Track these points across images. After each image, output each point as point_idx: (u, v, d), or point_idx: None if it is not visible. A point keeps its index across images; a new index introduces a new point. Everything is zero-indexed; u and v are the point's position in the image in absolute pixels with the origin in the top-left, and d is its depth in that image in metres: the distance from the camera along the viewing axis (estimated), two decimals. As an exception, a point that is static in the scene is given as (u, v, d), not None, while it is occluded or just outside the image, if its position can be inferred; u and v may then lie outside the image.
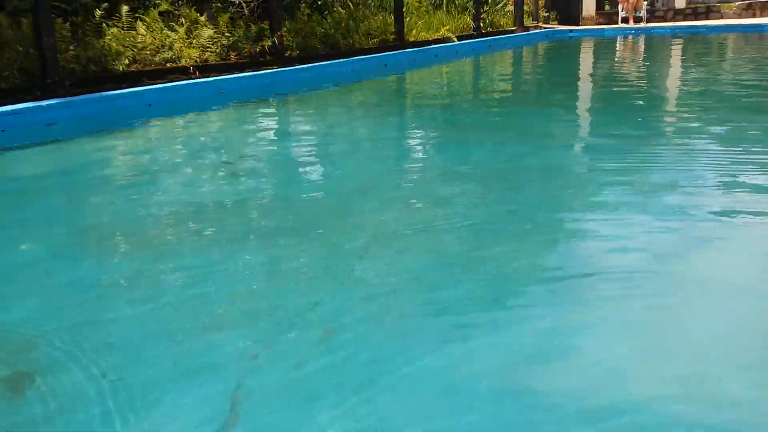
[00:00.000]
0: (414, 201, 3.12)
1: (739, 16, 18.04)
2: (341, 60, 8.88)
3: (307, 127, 5.54)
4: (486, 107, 6.49)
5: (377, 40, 11.11)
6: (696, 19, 17.76)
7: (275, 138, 5.10)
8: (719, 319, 1.89)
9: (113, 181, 3.78)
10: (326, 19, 11.29)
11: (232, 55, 8.27)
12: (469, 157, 4.17)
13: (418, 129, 5.46)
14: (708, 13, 18.13)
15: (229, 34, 8.46)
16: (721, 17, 17.99)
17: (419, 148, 4.62)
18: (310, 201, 3.20)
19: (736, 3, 19.25)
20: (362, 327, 1.85)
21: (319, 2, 13.44)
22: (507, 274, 2.24)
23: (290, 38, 9.54)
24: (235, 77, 7.06)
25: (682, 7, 18.13)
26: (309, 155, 4.41)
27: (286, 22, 10.56)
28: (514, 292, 2.12)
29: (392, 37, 11.35)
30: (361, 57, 9.25)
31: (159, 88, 6.15)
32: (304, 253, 2.45)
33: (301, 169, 3.98)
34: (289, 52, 9.15)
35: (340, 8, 12.34)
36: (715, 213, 2.78)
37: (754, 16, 18.13)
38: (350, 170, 3.89)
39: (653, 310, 1.93)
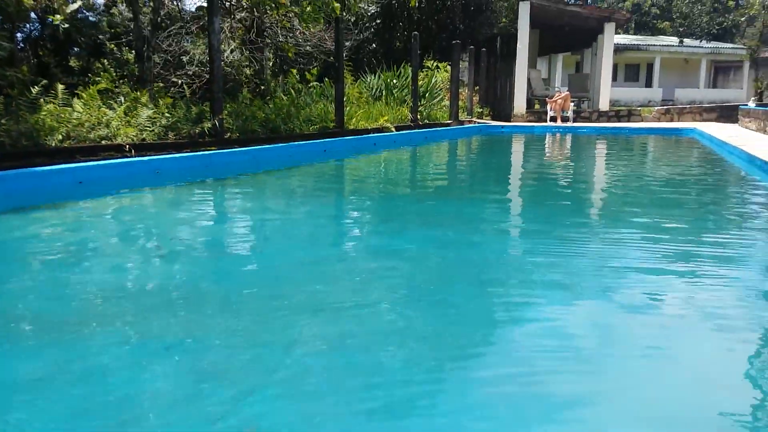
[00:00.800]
0: (345, 289, 3.11)
1: (658, 120, 19.33)
2: (281, 144, 8.98)
3: (242, 211, 5.51)
4: (421, 196, 6.62)
5: (318, 126, 11.33)
6: (619, 121, 18.91)
7: (209, 221, 5.03)
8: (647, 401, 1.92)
9: (33, 262, 3.62)
10: (268, 104, 11.48)
11: (171, 135, 8.24)
12: (402, 245, 4.20)
13: (354, 215, 5.50)
14: (630, 116, 19.36)
15: (169, 115, 8.47)
16: (642, 120, 19.22)
17: (354, 234, 4.64)
18: (239, 288, 3.14)
19: (655, 108, 20.68)
20: (290, 419, 1.79)
21: (262, 87, 13.72)
22: (437, 361, 2.23)
23: (231, 121, 9.62)
24: (172, 157, 7.01)
25: (606, 110, 19.30)
26: (242, 240, 4.36)
27: (228, 105, 10.68)
28: (447, 383, 2.11)
29: (332, 124, 11.61)
30: (301, 142, 9.37)
31: (91, 166, 6.03)
32: (233, 341, 2.38)
33: (232, 255, 3.92)
34: (229, 135, 9.19)
35: (282, 94, 12.61)
36: (639, 302, 2.89)
37: (671, 120, 19.48)
38: (283, 257, 3.86)
39: (581, 396, 1.95)
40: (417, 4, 21.81)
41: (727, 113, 19.41)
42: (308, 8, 10.30)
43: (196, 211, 5.41)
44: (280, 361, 2.21)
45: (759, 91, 24.12)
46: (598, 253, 3.98)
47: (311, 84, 14.53)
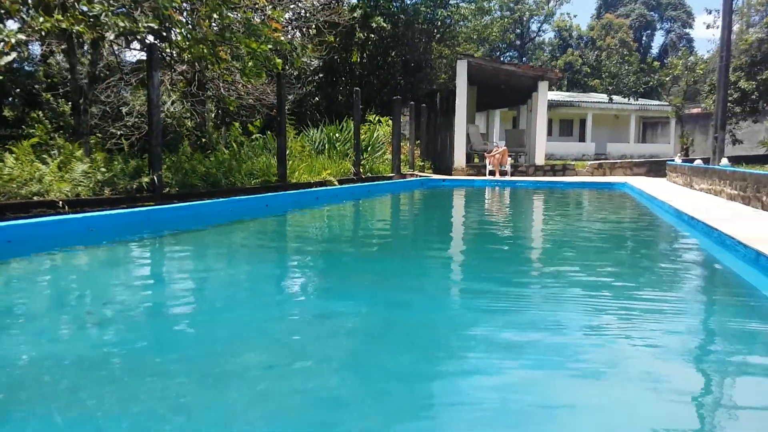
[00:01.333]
0: (284, 353, 3.05)
1: (591, 174, 20.04)
2: (222, 199, 8.87)
3: (180, 271, 5.39)
4: (363, 253, 6.62)
5: (260, 180, 11.28)
6: (554, 176, 19.51)
7: (145, 282, 4.90)
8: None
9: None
10: (209, 158, 11.39)
11: (107, 191, 8.06)
12: (343, 302, 4.18)
13: (295, 275, 5.45)
14: (564, 171, 20.01)
15: (105, 169, 8.29)
16: (576, 174, 19.89)
17: (295, 295, 4.59)
18: (176, 355, 3.04)
19: (589, 162, 21.46)
20: None
21: (203, 139, 13.61)
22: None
23: (170, 175, 9.49)
24: (107, 214, 6.83)
25: (541, 164, 19.91)
26: (180, 302, 4.25)
27: (167, 158, 10.54)
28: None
29: (275, 178, 11.58)
30: (243, 197, 9.29)
31: (21, 224, 5.81)
32: (167, 414, 2.30)
33: (169, 318, 3.81)
34: (168, 189, 9.05)
35: (223, 148, 12.53)
36: (582, 351, 2.94)
37: (604, 174, 20.22)
38: (222, 318, 3.77)
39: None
40: (359, 60, 22.25)
41: (656, 168, 20.32)
42: (250, 63, 10.36)
43: (131, 272, 5.26)
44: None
45: (685, 146, 25.36)
46: (535, 310, 4.04)
47: (254, 136, 14.51)
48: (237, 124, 14.37)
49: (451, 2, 23.42)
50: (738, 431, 2.39)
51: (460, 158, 19.15)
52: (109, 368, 2.85)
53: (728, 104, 19.13)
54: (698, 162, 14.16)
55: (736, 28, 23.12)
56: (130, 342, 3.29)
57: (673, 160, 17.29)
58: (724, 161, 12.37)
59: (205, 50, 9.33)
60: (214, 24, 9.99)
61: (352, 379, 2.84)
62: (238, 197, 9.21)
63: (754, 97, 21.49)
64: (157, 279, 5.07)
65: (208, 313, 3.97)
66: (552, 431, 2.39)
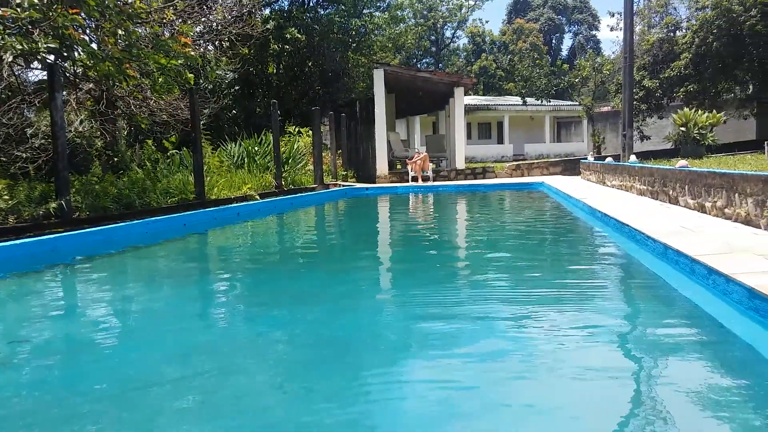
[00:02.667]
0: (209, 378, 2.94)
1: (510, 176, 20.55)
2: (136, 221, 8.55)
3: (93, 301, 5.12)
4: (287, 267, 6.51)
5: (177, 198, 10.95)
6: (475, 179, 19.90)
7: (53, 315, 4.63)
8: None
9: None
10: (121, 178, 10.98)
11: (12, 219, 7.62)
12: (269, 322, 4.08)
13: (215, 296, 5.29)
14: (485, 173, 20.43)
15: (8, 196, 7.84)
16: (496, 176, 20.35)
17: (218, 318, 4.45)
18: (90, 394, 2.87)
19: (507, 164, 22.00)
20: None
21: (116, 159, 13.12)
22: None
23: (80, 198, 9.08)
24: (11, 244, 6.44)
25: (462, 168, 20.26)
26: (93, 335, 4.03)
27: (77, 181, 10.09)
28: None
29: (192, 195, 11.27)
30: (158, 218, 8.98)
31: None
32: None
33: (83, 353, 3.61)
34: (78, 214, 8.65)
35: (136, 167, 12.11)
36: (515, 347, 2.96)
37: (522, 175, 20.79)
38: (138, 352, 3.60)
39: None
40: (275, 71, 22.03)
41: (571, 166, 21.04)
42: (160, 79, 10.06)
43: (38, 305, 4.97)
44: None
45: (597, 144, 26.36)
46: (464, 315, 4.06)
47: (170, 152, 14.10)
48: (150, 142, 13.93)
49: (364, 12, 23.54)
50: (663, 412, 2.46)
51: (382, 166, 19.23)
52: (10, 410, 2.66)
53: (634, 102, 20.04)
54: (609, 159, 14.73)
55: (638, 29, 24.27)
56: (37, 383, 3.09)
57: (586, 159, 17.92)
58: (633, 158, 12.91)
59: (112, 68, 8.98)
60: (120, 40, 9.65)
61: (281, 399, 2.75)
62: (153, 218, 8.89)
63: (658, 94, 22.58)
64: (67, 312, 4.80)
65: (125, 342, 3.79)
66: (489, 428, 2.39)
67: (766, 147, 13.18)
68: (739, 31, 19.07)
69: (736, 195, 6.54)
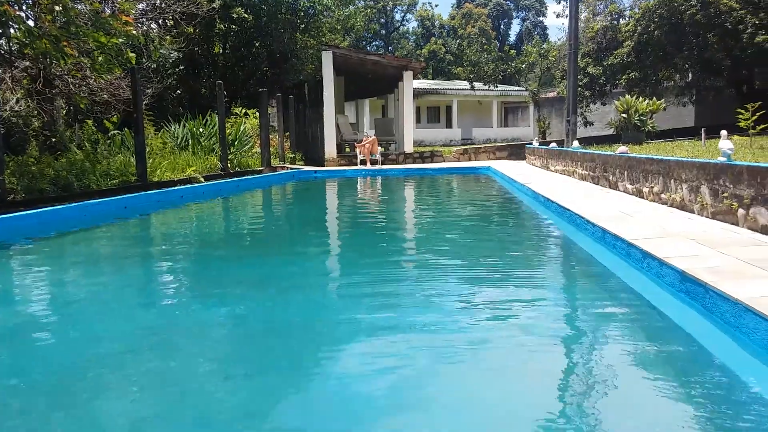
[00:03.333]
0: (153, 364, 2.89)
1: (458, 160, 20.72)
2: (75, 204, 8.29)
3: (27, 286, 4.96)
4: (231, 252, 6.43)
5: (117, 181, 10.66)
6: (423, 162, 19.99)
7: (-16, 301, 4.47)
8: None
9: None
10: (59, 159, 10.62)
11: (-61, 201, 7.30)
12: (212, 308, 4.02)
13: (157, 282, 5.19)
14: (433, 157, 20.54)
15: (-65, 178, 7.50)
16: (444, 160, 20.49)
17: (158, 304, 4.37)
18: (24, 382, 2.79)
19: (455, 148, 22.17)
20: None
21: (53, 140, 12.67)
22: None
23: (15, 180, 8.75)
24: (-61, 227, 6.18)
25: (411, 152, 20.32)
26: (27, 322, 3.91)
27: (11, 162, 9.73)
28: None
29: (134, 178, 10.99)
30: (98, 200, 8.73)
31: None
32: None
33: (13, 343, 3.49)
34: (12, 196, 8.34)
35: (75, 148, 11.73)
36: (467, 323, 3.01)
37: (469, 159, 20.98)
38: (75, 340, 3.51)
39: None
40: (221, 51, 21.59)
41: (517, 151, 21.34)
42: (100, 58, 9.72)
43: (-33, 291, 4.78)
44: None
45: (542, 129, 26.81)
46: (410, 298, 4.09)
47: (111, 133, 13.69)
48: (90, 122, 13.49)
49: (313, -8, 23.24)
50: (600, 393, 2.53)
51: (331, 149, 19.12)
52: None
53: (579, 89, 20.44)
54: (553, 145, 15.01)
55: (583, 16, 24.70)
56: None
57: (531, 144, 18.21)
58: (575, 144, 13.18)
59: (49, 45, 8.63)
60: (58, 17, 9.26)
61: (223, 384, 2.73)
62: (93, 201, 8.64)
63: (601, 81, 23.07)
64: (-3, 297, 4.64)
65: (61, 331, 3.69)
66: (433, 414, 2.42)
67: (702, 134, 13.64)
68: (679, 20, 19.60)
69: (672, 181, 6.76)
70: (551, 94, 31.61)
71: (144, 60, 17.29)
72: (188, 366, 3.02)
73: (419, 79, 39.87)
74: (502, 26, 61.05)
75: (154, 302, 4.46)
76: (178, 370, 2.98)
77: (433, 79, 45.66)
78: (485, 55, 29.34)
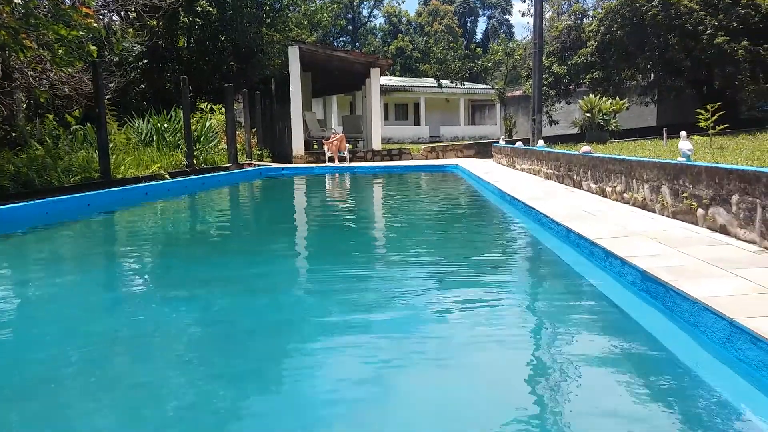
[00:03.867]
0: (115, 363, 2.85)
1: (426, 158, 20.80)
2: (36, 201, 8.11)
3: (-16, 286, 4.84)
4: (196, 250, 6.36)
5: (80, 177, 10.45)
6: (391, 160, 20.01)
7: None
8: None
9: None
10: (19, 155, 10.37)
11: None
12: (176, 307, 3.99)
13: (120, 281, 5.12)
14: (401, 155, 20.59)
15: None
16: (412, 158, 20.55)
17: (122, 303, 4.31)
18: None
19: (423, 146, 22.24)
20: None
21: (13, 135, 12.36)
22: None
23: (-28, 177, 8.52)
24: None
25: (379, 149, 20.33)
26: (-17, 324, 3.82)
27: (-32, 158, 9.47)
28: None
29: (97, 174, 10.79)
30: (60, 197, 8.55)
31: None
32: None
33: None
34: (-31, 193, 8.12)
35: (36, 143, 11.46)
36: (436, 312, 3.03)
37: (437, 157, 21.06)
38: (36, 340, 3.44)
39: None
40: (186, 45, 21.29)
41: (484, 149, 21.49)
42: (60, 51, 9.51)
43: None
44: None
45: (509, 128, 27.06)
46: (377, 296, 4.11)
47: (73, 128, 13.40)
48: (52, 117, 13.18)
49: (279, -14, 23.08)
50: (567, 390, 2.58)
51: (298, 146, 19.03)
52: None
53: (544, 88, 20.67)
54: (519, 144, 15.16)
55: (548, 15, 24.96)
56: None
57: (498, 142, 18.37)
58: (540, 143, 13.33)
59: (7, 38, 8.42)
60: (16, 9, 9.03)
61: (187, 384, 2.71)
62: (54, 198, 8.46)
63: (566, 80, 23.37)
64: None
65: (21, 330, 3.61)
66: (400, 415, 2.44)
67: (664, 133, 13.92)
68: (641, 20, 19.94)
69: (634, 180, 6.89)
70: (517, 93, 31.94)
71: (106, 53, 16.95)
72: (150, 367, 2.99)
73: (387, 75, 39.86)
74: (468, 24, 61.37)
75: (117, 303, 4.39)
76: (140, 371, 2.94)
77: (400, 76, 45.70)
78: (452, 53, 29.51)
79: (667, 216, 6.00)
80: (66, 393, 2.71)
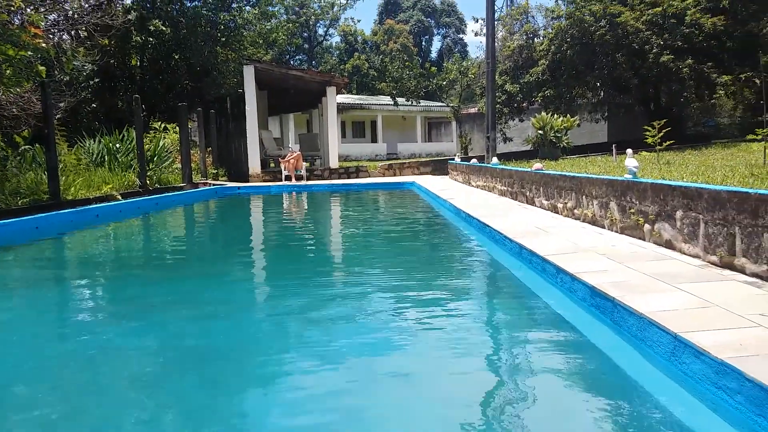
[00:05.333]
0: (67, 392, 2.78)
1: (383, 175, 20.91)
2: (-20, 225, 7.86)
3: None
4: (148, 273, 6.25)
5: (28, 199, 10.18)
6: (349, 178, 20.06)
7: None
8: None
9: None
10: (-37, 178, 10.06)
11: None
12: (127, 333, 3.91)
13: (70, 306, 5.00)
14: (358, 172, 20.65)
15: None
16: (369, 175, 20.63)
17: (71, 329, 4.21)
18: None
19: (380, 164, 22.35)
20: None
21: (-43, 156, 11.98)
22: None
23: None
24: None
25: (336, 167, 20.36)
26: None
27: None
28: None
29: (46, 196, 10.53)
30: (7, 220, 8.30)
31: None
32: None
33: None
34: None
35: (-19, 165, 11.14)
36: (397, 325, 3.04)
37: (394, 174, 21.19)
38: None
39: None
40: (139, 64, 21.03)
41: (441, 166, 21.73)
42: (8, 71, 9.31)
43: None
44: None
45: (464, 145, 27.40)
46: (331, 318, 4.10)
47: (22, 148, 13.04)
48: (-1, 137, 12.82)
49: (233, 6, 23.00)
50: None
51: (255, 164, 18.92)
52: None
53: (497, 106, 21.03)
54: (474, 161, 15.38)
55: (500, 35, 25.45)
56: None
57: (453, 159, 18.59)
58: (494, 160, 13.55)
59: (-50, 57, 8.23)
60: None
61: (137, 415, 2.65)
62: (1, 221, 8.21)
63: (518, 98, 23.81)
64: None
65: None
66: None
67: (613, 149, 14.29)
68: (590, 40, 20.51)
69: (584, 197, 7.06)
70: (472, 110, 32.38)
71: (56, 72, 16.61)
72: (100, 395, 2.93)
73: (344, 93, 40.01)
74: (423, 43, 62.10)
75: (66, 329, 4.29)
76: (88, 400, 2.88)
77: (357, 94, 45.90)
78: (407, 72, 29.80)
79: (616, 231, 6.15)
80: (13, 424, 2.63)
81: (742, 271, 4.07)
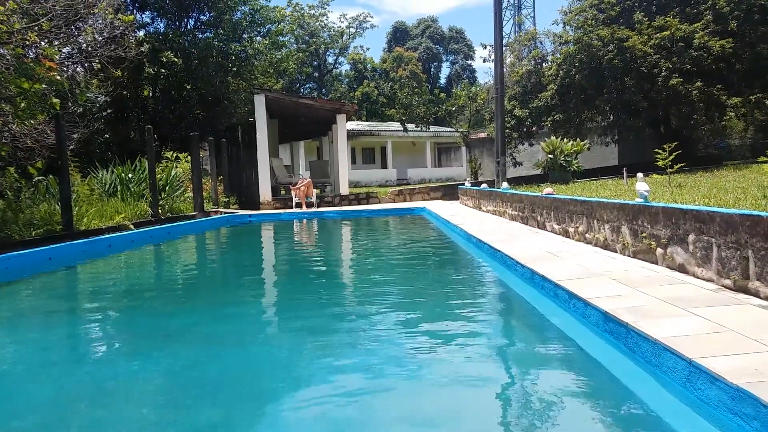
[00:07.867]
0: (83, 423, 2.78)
1: (393, 201, 20.93)
2: (-6, 256, 7.93)
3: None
4: (162, 303, 6.27)
5: (42, 230, 10.27)
6: (359, 204, 20.10)
7: None
8: None
9: None
10: (-22, 209, 10.18)
11: None
12: (142, 363, 3.91)
13: (84, 336, 5.01)
14: (368, 199, 20.69)
15: None
16: (379, 201, 20.66)
17: (86, 360, 4.21)
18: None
19: (390, 189, 22.40)
20: None
21: (-28, 188, 12.14)
22: None
23: (-72, 233, 8.32)
24: None
25: (346, 194, 20.43)
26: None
27: (-75, 214, 9.26)
28: None
29: (59, 227, 10.62)
30: (21, 251, 8.38)
31: None
32: None
33: None
34: (-75, 250, 7.92)
35: (-4, 197, 11.28)
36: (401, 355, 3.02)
37: (404, 200, 21.22)
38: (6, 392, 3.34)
39: None
40: (151, 95, 21.32)
41: (451, 191, 21.75)
42: (23, 104, 9.46)
43: None
44: None
45: (474, 170, 27.48)
46: (349, 342, 4.09)
47: (36, 179, 13.21)
48: (12, 169, 12.99)
49: (244, 36, 23.34)
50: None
51: (265, 192, 19.02)
52: None
53: (507, 131, 21.10)
54: (484, 186, 15.40)
55: (508, 61, 25.64)
56: None
57: (463, 184, 18.60)
58: (504, 185, 13.55)
59: (-34, 92, 8.38)
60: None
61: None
62: (15, 252, 8.29)
63: (528, 123, 23.89)
64: None
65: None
66: None
67: (624, 172, 14.27)
68: (598, 64, 20.61)
69: (595, 221, 7.03)
70: (482, 135, 32.50)
71: (70, 104, 16.86)
72: (114, 426, 2.92)
73: (354, 120, 40.32)
74: (432, 69, 62.63)
75: (80, 360, 4.30)
76: (104, 429, 2.88)
77: (367, 120, 46.24)
78: (416, 98, 30.01)
79: (628, 255, 6.12)
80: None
81: (756, 294, 4.03)
